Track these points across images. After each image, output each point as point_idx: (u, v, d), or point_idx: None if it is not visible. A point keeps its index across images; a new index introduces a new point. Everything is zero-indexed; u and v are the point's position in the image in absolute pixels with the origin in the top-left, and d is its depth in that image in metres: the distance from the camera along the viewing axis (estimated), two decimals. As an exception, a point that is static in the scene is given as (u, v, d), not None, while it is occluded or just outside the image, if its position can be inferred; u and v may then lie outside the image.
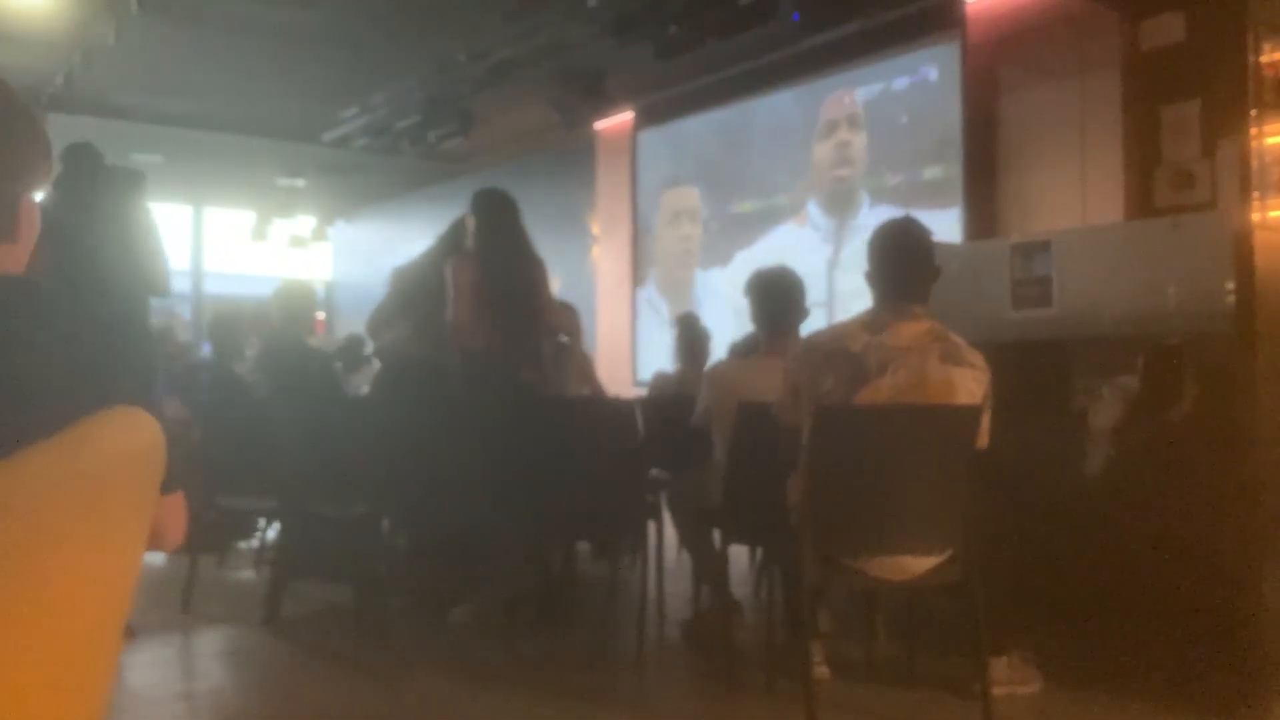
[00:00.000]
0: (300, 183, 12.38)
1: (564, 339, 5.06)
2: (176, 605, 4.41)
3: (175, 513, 1.30)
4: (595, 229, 10.07)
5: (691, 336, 5.45)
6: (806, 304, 3.81)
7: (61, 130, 9.92)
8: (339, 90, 8.96)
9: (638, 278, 9.50)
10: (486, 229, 4.34)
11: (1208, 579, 3.08)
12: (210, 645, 4.15)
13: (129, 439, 0.99)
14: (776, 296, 3.78)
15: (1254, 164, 4.83)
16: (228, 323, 6.06)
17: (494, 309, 4.20)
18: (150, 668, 3.71)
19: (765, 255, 7.65)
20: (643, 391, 7.18)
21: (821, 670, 3.31)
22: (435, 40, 7.70)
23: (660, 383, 5.82)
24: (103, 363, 1.11)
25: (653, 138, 9.37)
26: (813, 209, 7.82)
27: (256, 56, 8.15)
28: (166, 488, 1.18)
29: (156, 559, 5.41)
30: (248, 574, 5.42)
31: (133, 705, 3.24)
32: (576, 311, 5.34)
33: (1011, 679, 3.18)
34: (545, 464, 3.86)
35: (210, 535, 5.40)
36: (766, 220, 8.22)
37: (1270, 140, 4.86)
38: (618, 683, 3.56)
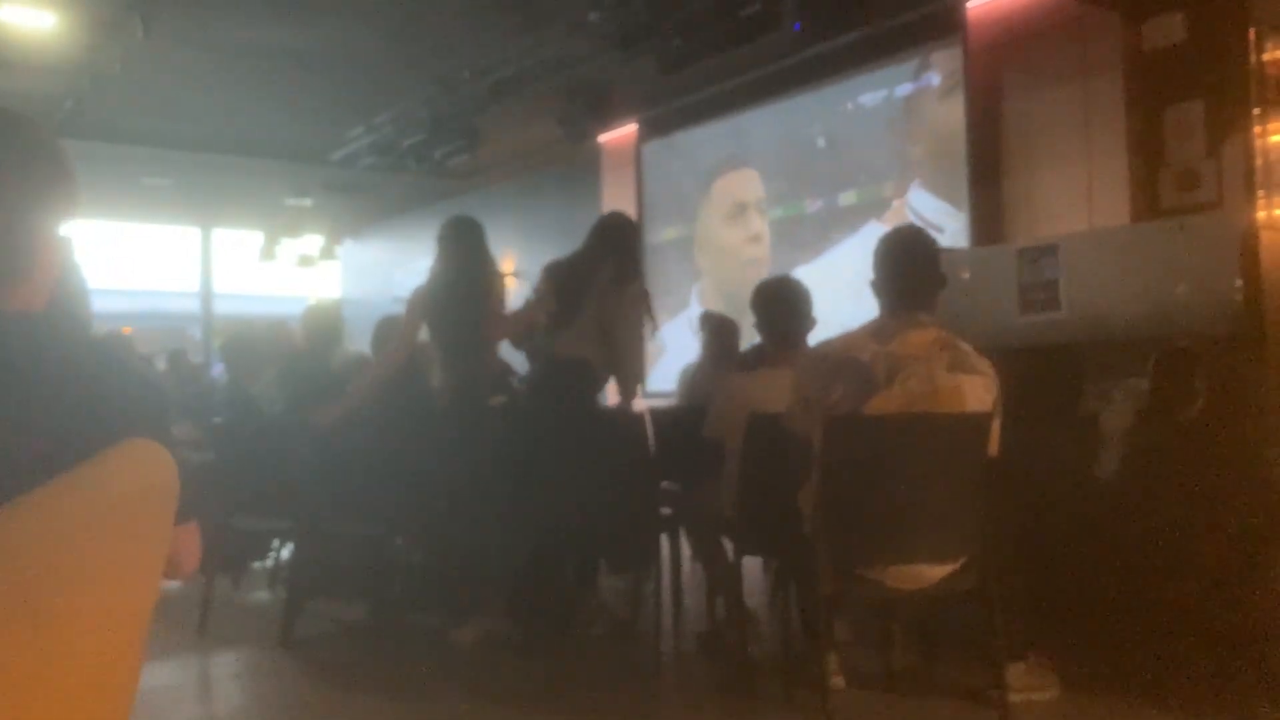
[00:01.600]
0: (308, 202, 12.43)
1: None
2: (193, 627, 4.42)
3: (190, 541, 1.31)
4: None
5: (717, 332, 5.46)
6: (814, 314, 3.81)
7: (72, 155, 9.99)
8: (345, 110, 9.01)
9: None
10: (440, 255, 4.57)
11: (1225, 583, 3.07)
12: (227, 667, 4.16)
13: (145, 472, 1.01)
14: (783, 307, 3.78)
15: (1259, 163, 4.82)
16: (242, 343, 6.09)
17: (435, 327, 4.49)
18: (167, 690, 3.72)
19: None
20: (653, 403, 7.18)
21: (838, 680, 3.30)
22: (439, 58, 7.74)
23: (686, 377, 5.81)
24: (114, 395, 1.12)
25: (658, 149, 9.38)
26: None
27: (262, 79, 8.21)
28: (181, 517, 1.19)
29: (173, 581, 5.42)
30: (263, 594, 5.44)
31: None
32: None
33: (1029, 685, 3.17)
34: (551, 479, 3.87)
35: (225, 556, 5.42)
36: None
37: (1275, 139, 4.86)
38: (633, 696, 3.55)
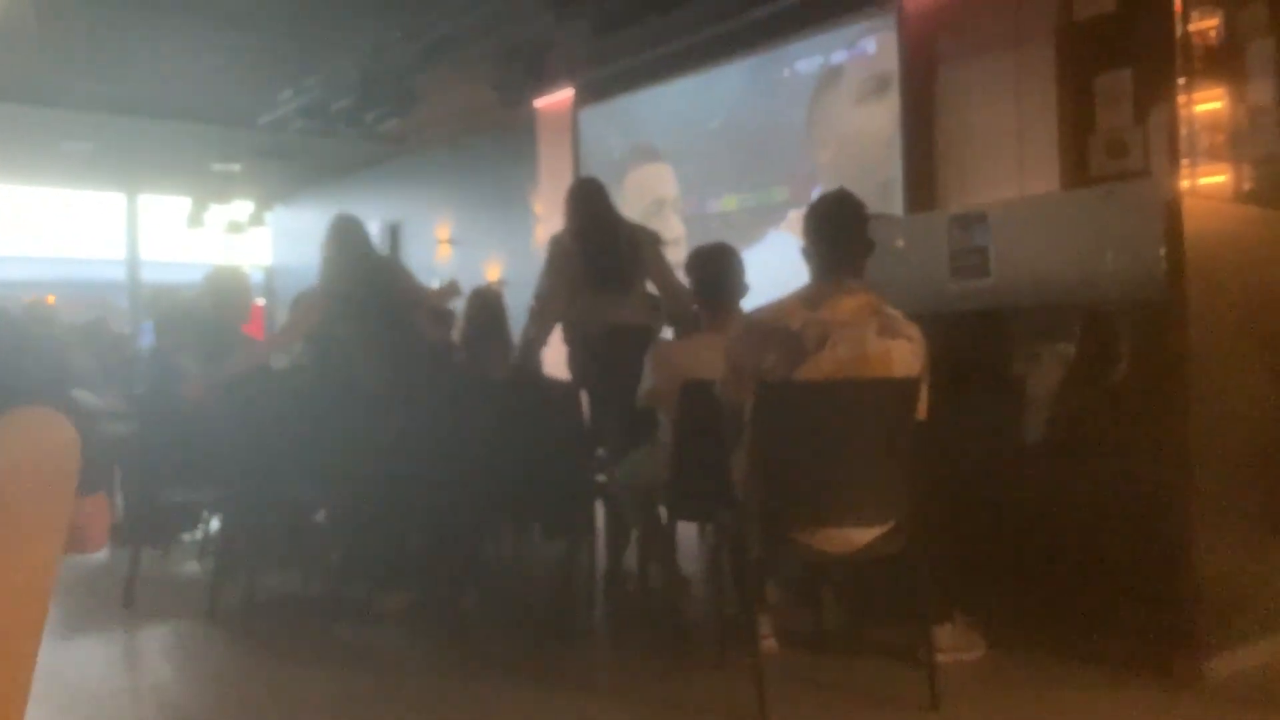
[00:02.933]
0: (236, 167, 12.15)
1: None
2: (119, 601, 4.33)
3: (96, 514, 1.26)
4: (538, 208, 10.00)
5: None
6: (746, 280, 3.81)
7: (-14, 118, 9.51)
8: (273, 72, 8.79)
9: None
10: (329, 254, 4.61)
11: (1146, 542, 3.14)
12: (154, 640, 4.09)
13: (36, 440, 0.96)
14: (716, 272, 3.79)
15: (1183, 131, 4.90)
16: (168, 311, 5.93)
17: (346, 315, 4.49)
18: (92, 664, 3.65)
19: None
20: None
21: (770, 643, 3.33)
22: (370, 18, 7.57)
23: None
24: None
25: (595, 115, 9.29)
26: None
27: (186, 38, 7.97)
28: (86, 488, 1.15)
29: (99, 556, 5.32)
30: (193, 566, 5.34)
31: (75, 702, 3.19)
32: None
33: (956, 645, 3.23)
34: (487, 447, 3.83)
35: (153, 529, 5.32)
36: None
37: (1199, 108, 4.94)
38: (566, 660, 3.56)
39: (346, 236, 4.59)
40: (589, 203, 4.57)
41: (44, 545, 1.00)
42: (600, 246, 4.44)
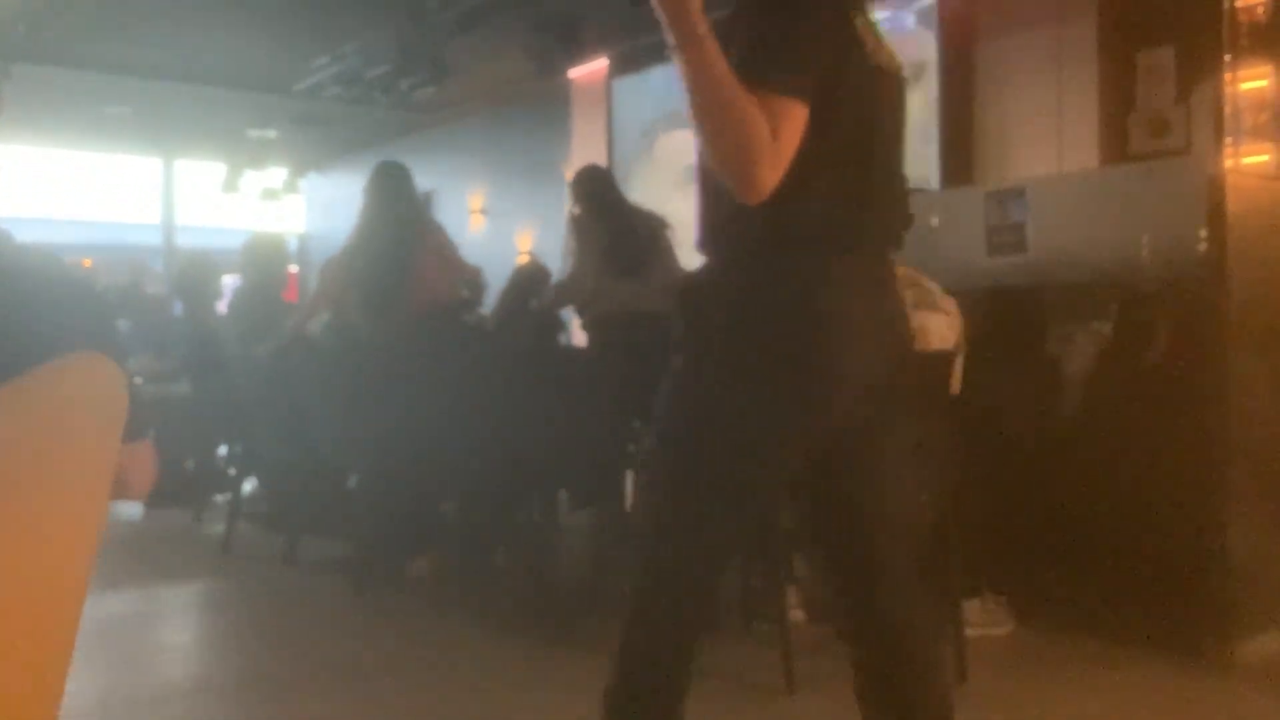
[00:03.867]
0: (272, 134, 12.19)
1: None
2: (150, 559, 4.40)
3: (142, 460, 1.28)
4: (570, 178, 9.99)
5: None
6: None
7: (27, 81, 9.64)
8: (310, 40, 8.79)
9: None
10: (366, 205, 4.51)
11: (1178, 522, 3.12)
12: (180, 598, 4.15)
13: (86, 384, 0.98)
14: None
15: (1228, 109, 4.82)
16: (195, 274, 5.96)
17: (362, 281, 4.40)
18: (121, 621, 3.71)
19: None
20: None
21: (797, 614, 3.34)
22: (406, -13, 7.56)
23: None
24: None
25: (628, 86, 9.25)
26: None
27: (225, 5, 7.99)
28: (131, 435, 1.16)
29: (133, 512, 5.40)
30: (221, 527, 5.41)
31: (104, 658, 3.24)
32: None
33: (985, 621, 3.23)
34: (513, 415, 3.85)
35: (186, 490, 5.39)
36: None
37: (1244, 86, 4.86)
38: (592, 628, 3.58)
39: (388, 183, 4.53)
40: (606, 187, 4.54)
41: (94, 492, 1.01)
42: (620, 231, 4.42)
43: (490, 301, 5.13)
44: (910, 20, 6.85)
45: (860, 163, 1.60)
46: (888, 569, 1.68)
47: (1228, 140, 4.83)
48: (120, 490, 1.23)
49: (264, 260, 5.06)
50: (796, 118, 1.45)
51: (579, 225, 4.55)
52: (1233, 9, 4.89)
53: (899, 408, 1.69)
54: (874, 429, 1.64)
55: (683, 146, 8.62)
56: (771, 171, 1.41)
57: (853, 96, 1.56)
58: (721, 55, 1.43)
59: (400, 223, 4.42)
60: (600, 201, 4.49)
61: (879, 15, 6.73)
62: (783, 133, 1.43)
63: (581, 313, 4.67)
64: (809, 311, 1.56)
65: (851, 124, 1.56)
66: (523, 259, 8.62)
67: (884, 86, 1.66)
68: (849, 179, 1.58)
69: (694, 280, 1.73)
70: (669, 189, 8.22)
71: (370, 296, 4.36)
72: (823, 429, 1.60)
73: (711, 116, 1.42)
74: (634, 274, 4.39)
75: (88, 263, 10.96)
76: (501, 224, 10.68)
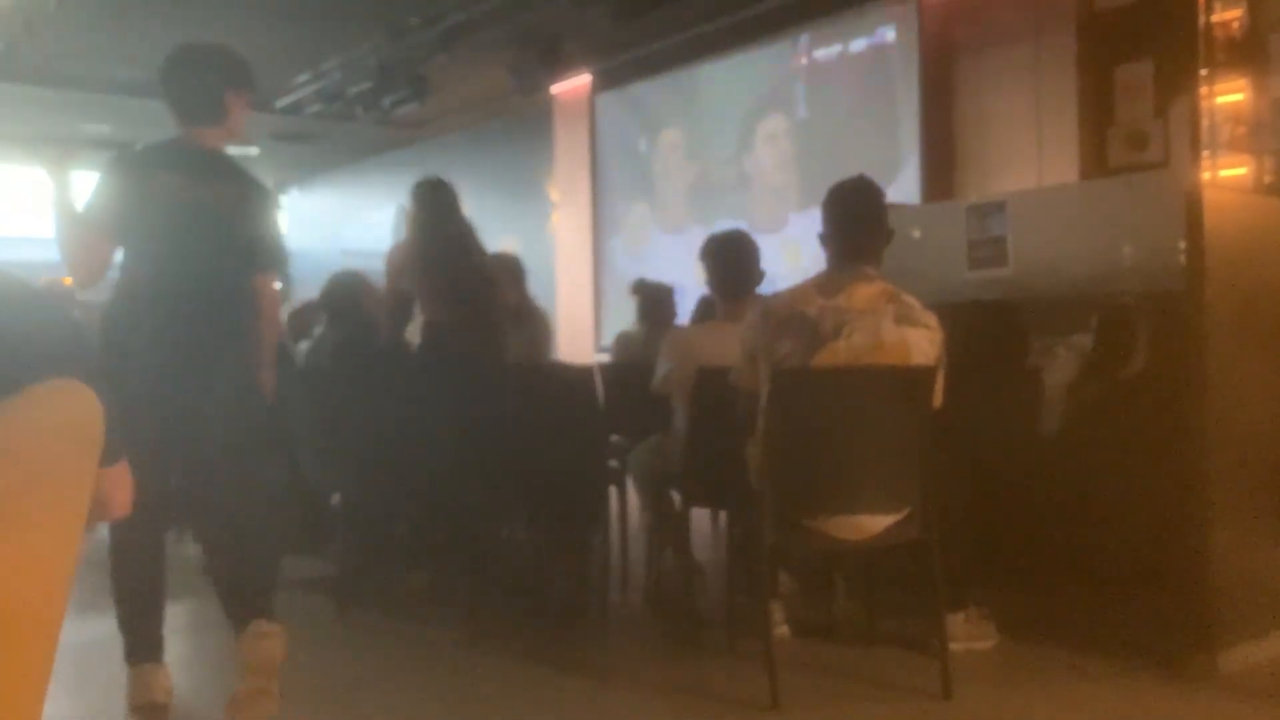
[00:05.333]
0: (253, 151, 12.15)
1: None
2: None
3: (119, 483, 1.28)
4: (554, 195, 9.99)
5: (653, 300, 5.44)
6: (761, 267, 3.81)
7: (7, 100, 9.60)
8: (291, 56, 8.79)
9: (598, 242, 9.44)
10: (430, 214, 4.44)
11: (1160, 534, 3.13)
12: (170, 619, 4.11)
13: (61, 412, 0.97)
14: (732, 260, 3.77)
15: (1205, 123, 4.87)
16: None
17: (452, 286, 4.32)
18: (103, 643, 3.67)
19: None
20: (604, 358, 7.16)
21: (782, 630, 3.34)
22: (388, 4, 7.57)
23: (623, 343, 5.80)
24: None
25: (611, 101, 9.28)
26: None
27: (204, 20, 7.97)
28: (108, 459, 1.16)
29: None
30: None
31: (85, 682, 3.21)
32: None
33: (969, 634, 3.23)
34: (504, 432, 3.84)
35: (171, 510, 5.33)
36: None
37: (1221, 99, 4.91)
38: (579, 646, 3.57)
39: (437, 197, 4.48)
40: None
41: (69, 518, 1.01)
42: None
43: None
44: (891, 36, 6.90)
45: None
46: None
47: (1205, 153, 4.87)
48: (99, 513, 1.22)
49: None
50: None
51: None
52: (1209, 24, 4.94)
53: None
54: None
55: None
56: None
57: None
58: None
59: (464, 234, 4.43)
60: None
61: (862, 30, 6.79)
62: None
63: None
64: None
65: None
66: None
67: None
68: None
69: None
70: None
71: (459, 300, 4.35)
72: None
73: None
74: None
75: (68, 280, 10.88)
76: (485, 240, 10.69)
